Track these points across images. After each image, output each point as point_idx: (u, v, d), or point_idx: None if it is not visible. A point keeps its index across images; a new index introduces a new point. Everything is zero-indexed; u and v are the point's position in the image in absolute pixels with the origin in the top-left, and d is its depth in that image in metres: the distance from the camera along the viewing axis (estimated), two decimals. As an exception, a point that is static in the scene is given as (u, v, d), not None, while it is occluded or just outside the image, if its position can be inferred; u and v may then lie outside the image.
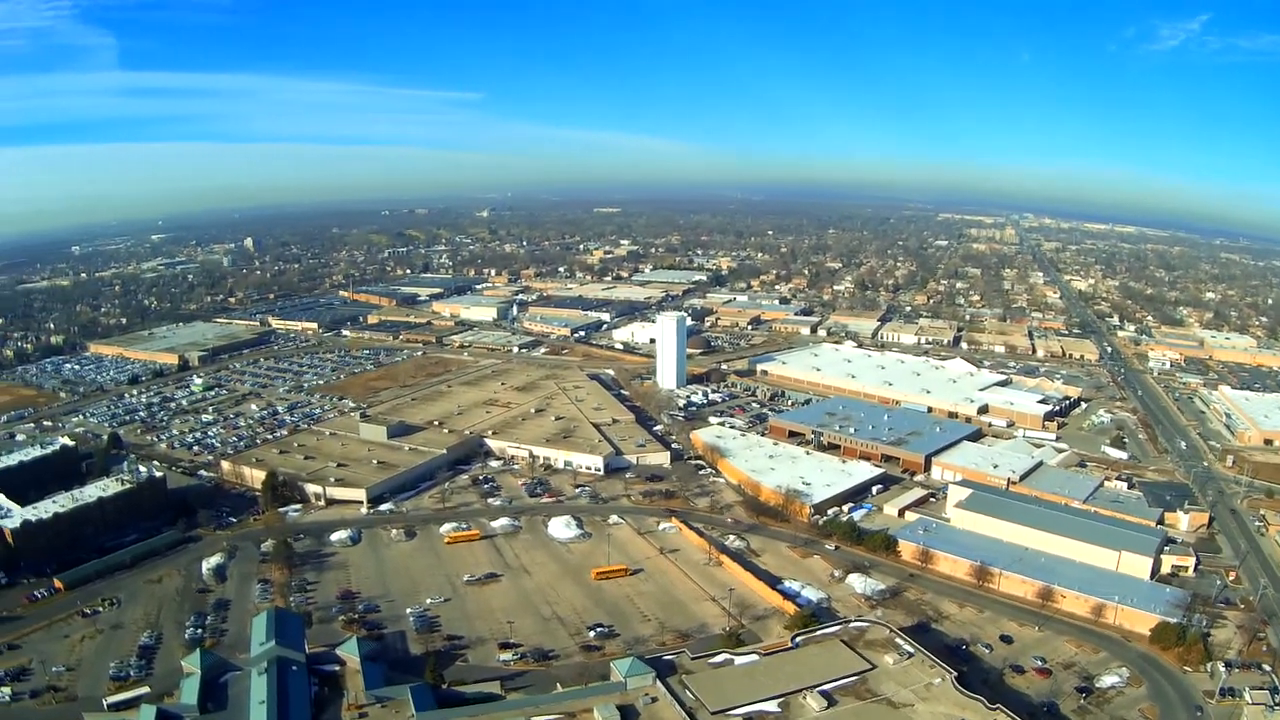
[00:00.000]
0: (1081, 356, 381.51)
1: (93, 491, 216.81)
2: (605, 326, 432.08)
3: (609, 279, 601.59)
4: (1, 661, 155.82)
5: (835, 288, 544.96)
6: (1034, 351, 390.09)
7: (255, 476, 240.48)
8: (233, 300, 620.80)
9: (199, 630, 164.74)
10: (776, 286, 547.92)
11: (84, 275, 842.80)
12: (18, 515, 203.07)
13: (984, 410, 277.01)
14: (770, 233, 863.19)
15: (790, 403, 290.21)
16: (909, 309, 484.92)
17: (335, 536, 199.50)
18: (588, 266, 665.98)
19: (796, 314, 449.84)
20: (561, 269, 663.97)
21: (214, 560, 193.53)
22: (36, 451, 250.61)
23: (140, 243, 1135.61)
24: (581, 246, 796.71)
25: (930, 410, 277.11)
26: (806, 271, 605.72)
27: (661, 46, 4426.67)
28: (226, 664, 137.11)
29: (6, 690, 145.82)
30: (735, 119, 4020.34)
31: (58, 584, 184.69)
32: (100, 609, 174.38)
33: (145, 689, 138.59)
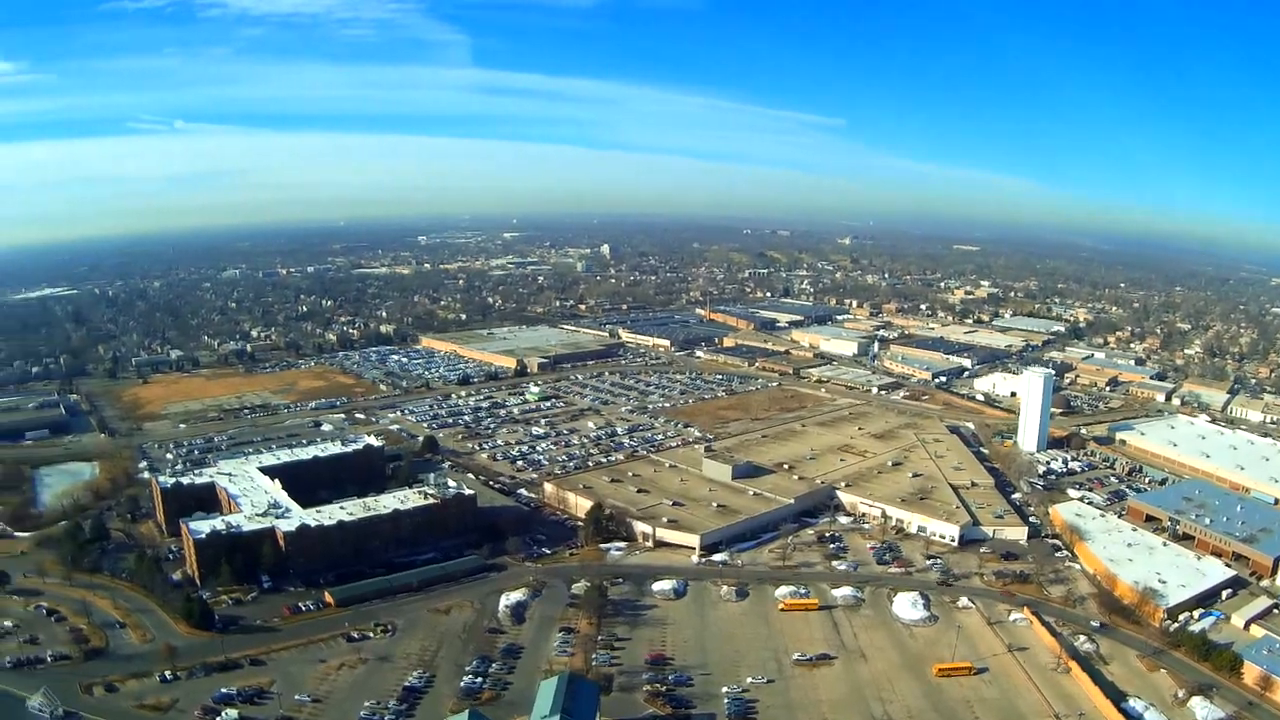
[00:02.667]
0: None
1: (390, 502, 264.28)
2: (966, 374, 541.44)
3: (970, 321, 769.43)
4: (239, 677, 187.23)
5: (1186, 351, 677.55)
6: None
7: (580, 505, 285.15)
8: (582, 307, 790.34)
9: (479, 679, 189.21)
10: (1131, 345, 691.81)
11: (427, 266, 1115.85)
12: (297, 517, 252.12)
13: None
14: (1123, 285, 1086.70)
15: (1147, 480, 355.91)
16: (1253, 381, 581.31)
17: (658, 586, 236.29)
18: (948, 306, 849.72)
19: (1151, 378, 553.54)
20: (923, 306, 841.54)
21: (515, 596, 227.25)
22: (335, 448, 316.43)
23: (492, 239, 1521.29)
24: (942, 284, 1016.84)
25: (1278, 503, 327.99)
26: (1159, 331, 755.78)
27: (1024, 87, 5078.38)
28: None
29: (234, 712, 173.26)
30: (1091, 165, 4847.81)
31: (328, 598, 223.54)
32: (371, 634, 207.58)
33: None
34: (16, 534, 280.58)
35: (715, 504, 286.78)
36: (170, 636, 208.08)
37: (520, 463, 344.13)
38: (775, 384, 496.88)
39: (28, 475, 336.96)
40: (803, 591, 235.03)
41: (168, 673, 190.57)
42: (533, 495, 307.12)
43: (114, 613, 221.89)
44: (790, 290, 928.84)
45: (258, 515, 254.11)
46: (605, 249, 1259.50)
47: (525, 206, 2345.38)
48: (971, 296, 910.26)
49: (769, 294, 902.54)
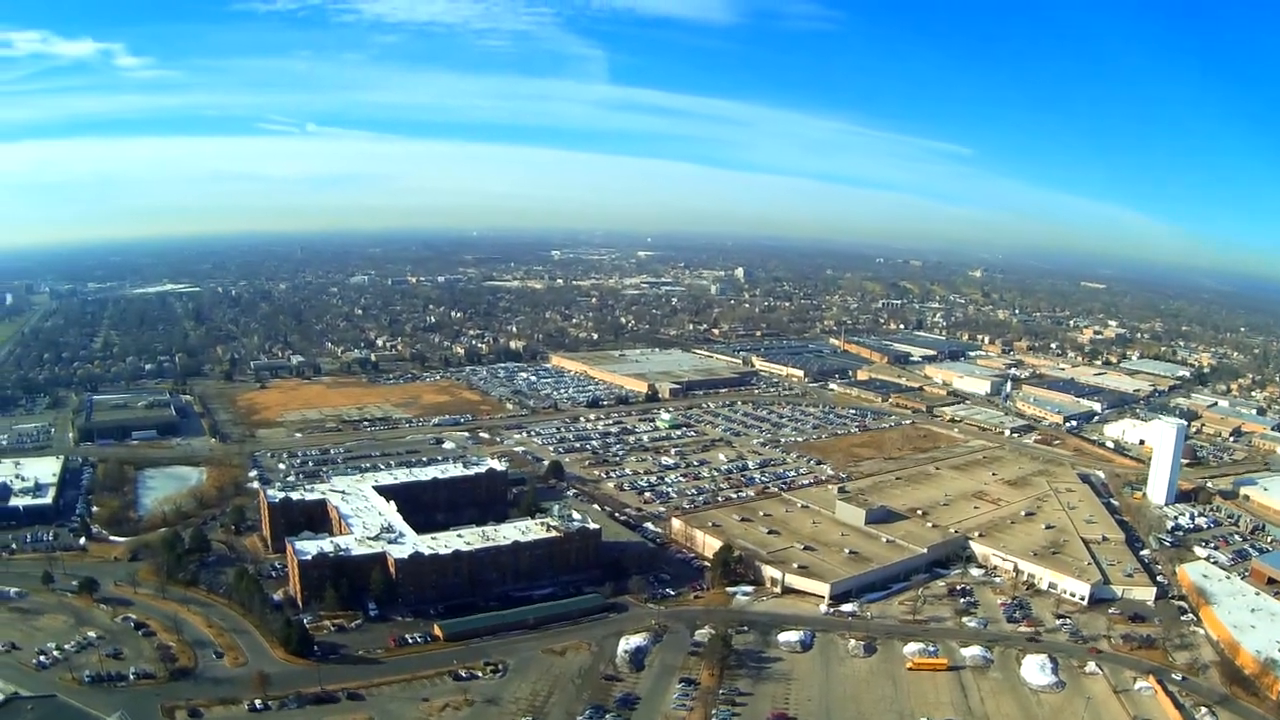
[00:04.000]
0: None
1: (510, 532, 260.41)
2: (1095, 418, 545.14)
3: (1099, 363, 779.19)
4: (335, 712, 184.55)
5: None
6: None
7: (708, 544, 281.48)
8: (716, 332, 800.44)
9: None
10: (1251, 393, 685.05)
11: (560, 281, 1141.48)
12: (410, 543, 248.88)
13: None
14: (1242, 329, 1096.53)
15: (1270, 539, 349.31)
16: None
17: (784, 638, 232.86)
18: (1078, 345, 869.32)
19: (1273, 429, 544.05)
20: (1053, 345, 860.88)
21: (635, 640, 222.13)
22: (457, 470, 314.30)
23: (626, 257, 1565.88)
24: (1070, 322, 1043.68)
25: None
26: (1279, 379, 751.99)
27: (1150, 122, 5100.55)
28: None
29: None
30: (1216, 203, 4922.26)
31: (437, 631, 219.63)
32: (479, 674, 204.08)
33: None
34: (112, 538, 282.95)
35: (847, 550, 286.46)
36: (265, 662, 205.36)
37: (648, 494, 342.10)
38: (909, 421, 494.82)
39: (130, 477, 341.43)
40: (932, 649, 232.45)
41: (258, 701, 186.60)
42: (659, 530, 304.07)
43: (207, 631, 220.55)
44: (923, 323, 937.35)
45: (369, 538, 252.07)
46: (739, 272, 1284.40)
47: (658, 224, 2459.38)
48: (1100, 336, 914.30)
49: (902, 325, 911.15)
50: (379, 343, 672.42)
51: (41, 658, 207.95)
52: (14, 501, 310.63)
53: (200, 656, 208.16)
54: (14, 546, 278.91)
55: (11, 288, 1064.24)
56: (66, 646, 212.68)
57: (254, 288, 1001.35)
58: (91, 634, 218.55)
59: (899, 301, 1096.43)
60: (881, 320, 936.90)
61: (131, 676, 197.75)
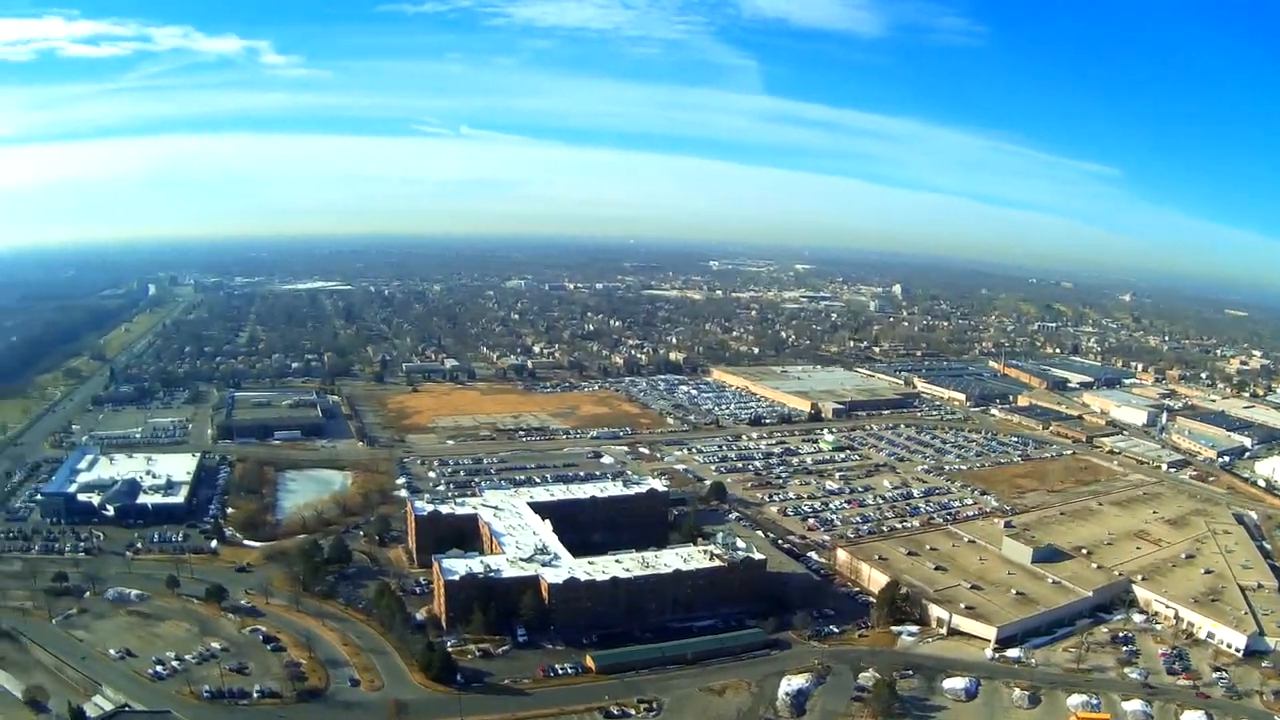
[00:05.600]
0: None
1: (671, 560, 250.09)
2: (1246, 454, 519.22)
3: (1246, 394, 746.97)
4: None
5: None
6: None
7: (874, 579, 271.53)
8: (876, 350, 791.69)
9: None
10: None
11: (719, 292, 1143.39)
12: (565, 566, 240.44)
13: None
14: None
15: None
16: None
17: (949, 684, 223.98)
18: (1226, 375, 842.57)
19: None
20: (1203, 374, 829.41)
21: (797, 682, 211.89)
22: (616, 488, 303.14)
23: (784, 269, 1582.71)
24: (1218, 351, 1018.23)
25: None
26: None
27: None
28: None
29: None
30: None
31: (589, 662, 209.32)
32: (632, 710, 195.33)
33: None
34: (246, 542, 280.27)
35: (1013, 591, 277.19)
36: (401, 687, 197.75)
37: (812, 520, 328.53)
38: (1069, 452, 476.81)
39: (270, 478, 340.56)
40: (1095, 703, 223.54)
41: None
42: (823, 561, 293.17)
43: (341, 649, 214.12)
44: (1078, 348, 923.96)
45: (522, 559, 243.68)
46: (897, 289, 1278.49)
47: (817, 239, 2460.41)
48: (1246, 368, 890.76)
49: (1058, 350, 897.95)
50: (536, 349, 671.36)
51: (159, 668, 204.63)
52: (142, 499, 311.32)
53: (333, 677, 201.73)
54: (139, 546, 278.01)
55: (155, 279, 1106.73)
56: (187, 657, 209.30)
57: (407, 288, 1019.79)
58: (215, 645, 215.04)
59: (1053, 324, 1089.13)
60: (1038, 344, 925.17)
61: (255, 695, 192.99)
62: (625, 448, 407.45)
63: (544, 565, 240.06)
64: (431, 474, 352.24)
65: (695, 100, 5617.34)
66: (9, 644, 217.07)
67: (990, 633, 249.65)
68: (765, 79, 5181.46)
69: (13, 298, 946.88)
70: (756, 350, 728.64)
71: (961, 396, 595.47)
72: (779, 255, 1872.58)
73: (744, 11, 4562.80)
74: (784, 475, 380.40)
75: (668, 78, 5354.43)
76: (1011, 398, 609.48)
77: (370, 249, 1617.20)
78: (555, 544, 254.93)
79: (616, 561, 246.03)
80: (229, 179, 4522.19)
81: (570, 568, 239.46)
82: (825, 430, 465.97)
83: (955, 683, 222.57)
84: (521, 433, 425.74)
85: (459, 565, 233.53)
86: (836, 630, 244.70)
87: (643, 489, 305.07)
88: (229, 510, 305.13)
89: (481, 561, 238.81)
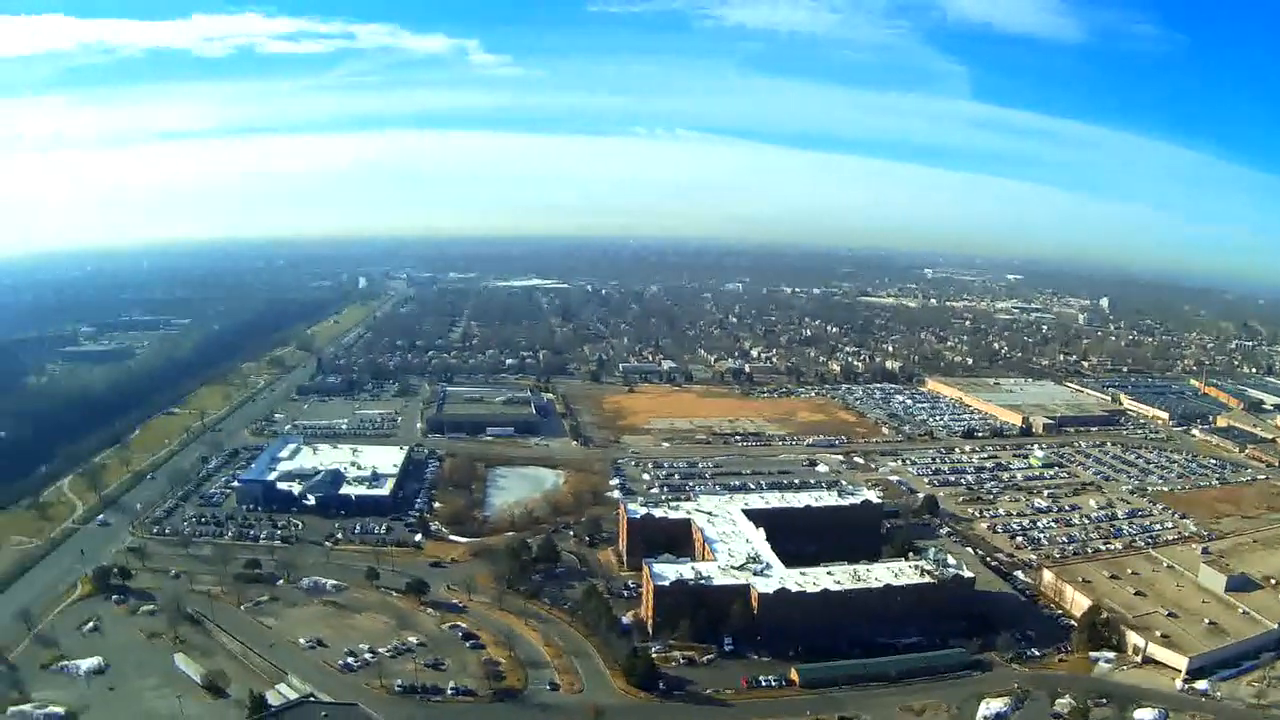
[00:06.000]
0: None
1: (882, 574, 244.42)
2: None
3: None
4: None
5: None
6: None
7: (1077, 602, 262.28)
8: (1085, 365, 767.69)
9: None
10: None
11: (934, 301, 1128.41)
12: (776, 576, 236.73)
13: None
14: None
15: None
16: None
17: (1139, 715, 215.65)
18: None
19: None
20: None
21: (995, 706, 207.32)
22: (831, 498, 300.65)
23: (996, 279, 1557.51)
24: None
25: None
26: None
27: None
28: None
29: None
30: None
31: (793, 675, 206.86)
32: None
33: None
34: (452, 537, 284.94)
35: (1206, 620, 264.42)
36: (602, 692, 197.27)
37: (1019, 539, 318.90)
38: (1263, 476, 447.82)
39: (480, 474, 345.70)
40: None
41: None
42: (1029, 581, 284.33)
43: (543, 650, 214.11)
44: (1273, 368, 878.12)
45: (733, 567, 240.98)
46: (1104, 302, 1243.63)
47: (1023, 247, 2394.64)
48: None
49: (1254, 369, 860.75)
50: (753, 353, 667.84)
51: (350, 659, 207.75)
52: (346, 490, 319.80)
53: (531, 678, 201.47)
54: (339, 537, 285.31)
55: (368, 273, 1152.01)
56: (381, 650, 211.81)
57: (624, 288, 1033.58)
58: (412, 639, 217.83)
59: (1250, 343, 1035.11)
60: (1235, 362, 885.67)
61: (449, 692, 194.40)
62: (840, 456, 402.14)
63: (755, 574, 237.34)
64: (645, 476, 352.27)
65: (904, 105, 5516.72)
66: (193, 628, 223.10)
67: (1182, 663, 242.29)
68: (973, 84, 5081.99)
69: (220, 288, 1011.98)
70: (970, 361, 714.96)
71: (1164, 415, 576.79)
72: (990, 265, 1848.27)
73: (948, 15, 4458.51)
74: (994, 491, 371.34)
75: (876, 82, 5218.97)
76: (1211, 418, 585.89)
77: (587, 248, 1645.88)
78: (768, 552, 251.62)
79: (828, 574, 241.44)
80: (440, 176, 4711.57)
81: (781, 578, 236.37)
82: (1035, 446, 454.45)
83: (1146, 714, 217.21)
84: (737, 437, 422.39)
85: (669, 570, 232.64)
86: (1037, 653, 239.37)
87: (857, 500, 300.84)
88: (436, 504, 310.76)
89: (692, 567, 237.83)
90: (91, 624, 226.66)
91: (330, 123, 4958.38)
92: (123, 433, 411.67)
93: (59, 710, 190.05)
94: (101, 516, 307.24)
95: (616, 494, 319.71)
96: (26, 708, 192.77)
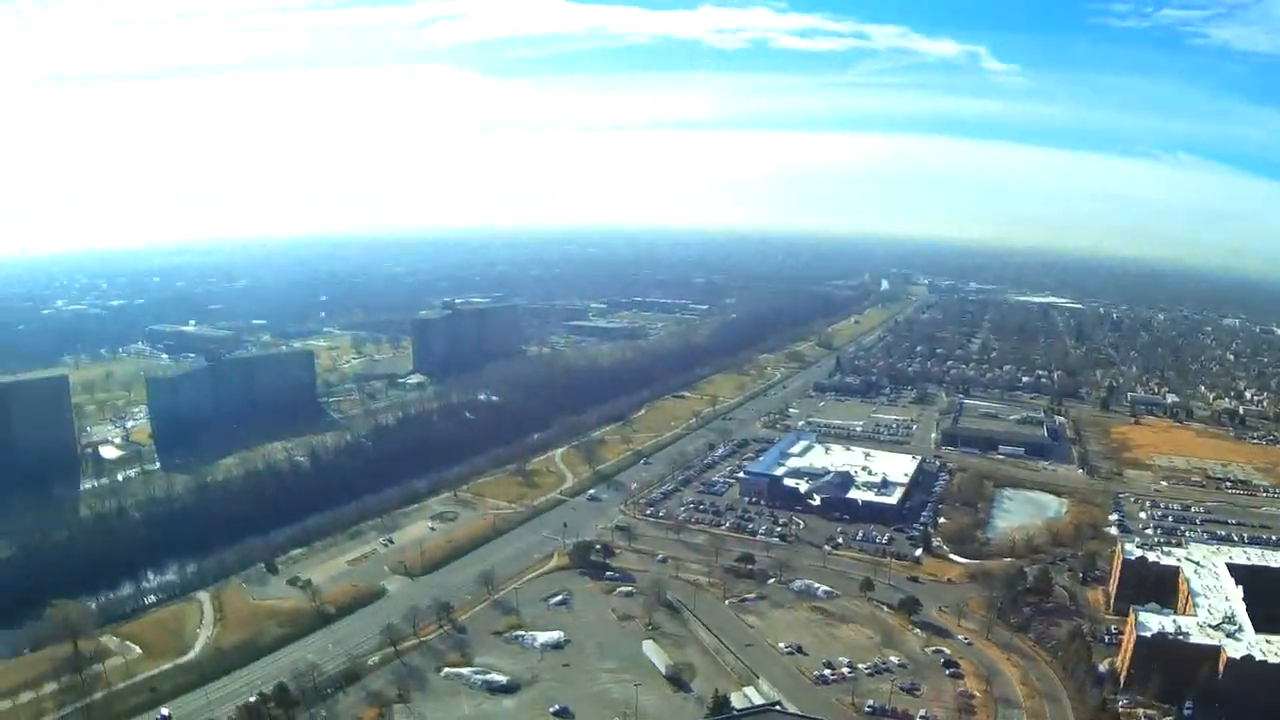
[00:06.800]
0: None
1: None
2: None
3: None
4: None
5: None
6: None
7: None
8: None
9: None
10: None
11: None
12: (1245, 641, 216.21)
13: None
14: None
15: None
16: None
17: None
18: None
19: None
20: None
21: None
22: None
23: None
24: None
25: None
26: None
27: None
28: None
29: None
30: None
31: None
32: None
33: None
34: (952, 556, 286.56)
35: None
36: None
37: None
38: None
39: (988, 493, 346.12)
40: None
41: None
42: None
43: (1018, 688, 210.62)
44: None
45: (1210, 625, 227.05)
46: None
47: None
48: None
49: None
50: (1247, 394, 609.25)
51: (826, 670, 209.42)
52: (853, 494, 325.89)
53: (1002, 717, 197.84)
54: (839, 541, 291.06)
55: (890, 275, 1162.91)
56: (860, 666, 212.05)
57: (1134, 313, 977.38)
58: (893, 659, 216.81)
59: None
60: None
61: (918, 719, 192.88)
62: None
63: (1227, 635, 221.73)
64: (1142, 514, 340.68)
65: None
66: (669, 616, 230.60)
67: None
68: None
69: (742, 276, 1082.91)
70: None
71: None
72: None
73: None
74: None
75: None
76: None
77: (1099, 269, 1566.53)
78: (1242, 613, 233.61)
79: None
80: (949, 181, 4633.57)
81: (1249, 643, 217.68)
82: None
83: None
84: (1227, 483, 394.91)
85: (1153, 621, 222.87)
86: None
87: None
88: (940, 520, 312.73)
89: (1174, 620, 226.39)
90: (560, 597, 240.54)
91: (840, 121, 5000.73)
92: (627, 411, 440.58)
93: (500, 679, 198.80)
94: (592, 491, 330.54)
95: (1114, 530, 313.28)
96: (465, 670, 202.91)
